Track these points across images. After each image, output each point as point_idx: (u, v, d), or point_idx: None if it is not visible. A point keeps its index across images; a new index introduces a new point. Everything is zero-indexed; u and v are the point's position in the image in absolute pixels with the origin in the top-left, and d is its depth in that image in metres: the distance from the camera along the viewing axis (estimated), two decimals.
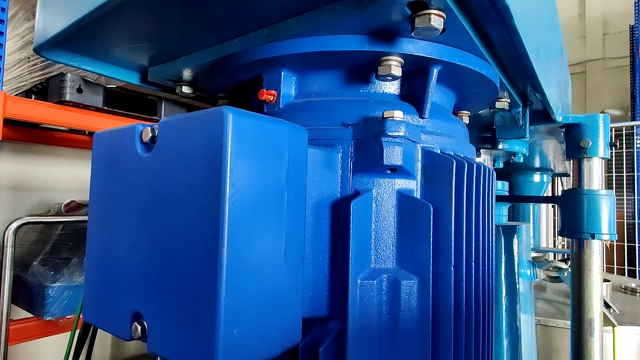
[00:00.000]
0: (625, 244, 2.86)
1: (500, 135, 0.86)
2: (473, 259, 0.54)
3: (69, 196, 2.09)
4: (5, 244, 1.45)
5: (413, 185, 0.53)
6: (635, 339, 1.51)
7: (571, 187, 0.95)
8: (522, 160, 1.18)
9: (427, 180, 0.53)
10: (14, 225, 1.54)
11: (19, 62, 1.92)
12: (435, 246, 0.51)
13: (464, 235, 0.53)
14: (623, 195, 3.14)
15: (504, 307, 1.08)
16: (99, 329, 0.90)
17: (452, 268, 0.51)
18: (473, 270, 0.54)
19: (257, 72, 0.61)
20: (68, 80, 1.86)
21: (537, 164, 1.86)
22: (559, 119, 0.91)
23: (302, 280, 0.46)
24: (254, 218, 0.39)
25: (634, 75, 3.80)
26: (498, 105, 0.76)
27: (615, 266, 2.90)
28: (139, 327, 0.42)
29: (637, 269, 2.86)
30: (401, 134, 0.49)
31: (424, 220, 0.50)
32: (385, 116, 0.51)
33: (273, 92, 0.58)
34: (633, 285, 1.96)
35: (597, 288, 0.90)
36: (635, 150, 3.18)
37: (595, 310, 0.90)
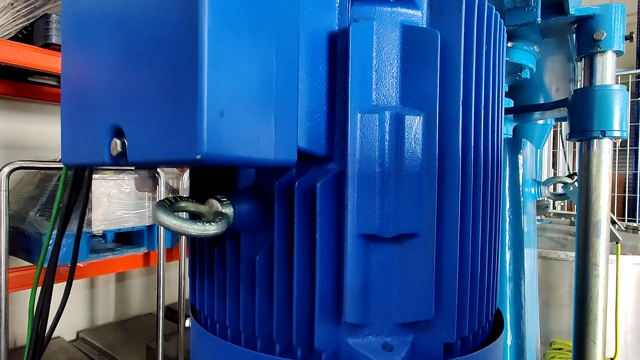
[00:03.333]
0: (626, 195, 2.85)
1: (509, 20, 0.80)
2: (482, 103, 0.50)
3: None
4: None
5: (418, 17, 0.48)
6: (636, 269, 1.51)
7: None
8: (528, 77, 1.12)
9: (433, 12, 0.48)
10: (6, 169, 1.50)
11: (2, 10, 1.82)
12: (442, 81, 0.47)
13: (474, 72, 0.48)
14: (626, 147, 3.11)
15: (508, 220, 1.06)
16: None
17: (461, 104, 0.47)
18: (482, 115, 0.50)
19: None
20: (54, 21, 1.77)
21: (541, 101, 1.81)
22: (572, 11, 0.85)
23: (295, 104, 0.42)
24: (237, 18, 0.35)
25: None
26: None
27: (615, 217, 2.90)
28: (118, 142, 0.38)
29: (637, 218, 2.87)
30: None
31: (431, 48, 0.46)
32: None
33: None
34: (634, 224, 1.95)
35: (606, 189, 0.87)
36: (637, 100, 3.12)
37: (602, 212, 0.88)
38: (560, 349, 1.28)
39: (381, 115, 0.46)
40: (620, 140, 0.86)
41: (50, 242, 1.75)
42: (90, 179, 0.85)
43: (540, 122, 1.86)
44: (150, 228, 2.08)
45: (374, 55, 0.47)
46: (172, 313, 2.84)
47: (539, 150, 1.96)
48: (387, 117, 0.46)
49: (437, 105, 0.46)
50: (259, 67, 0.35)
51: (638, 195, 2.98)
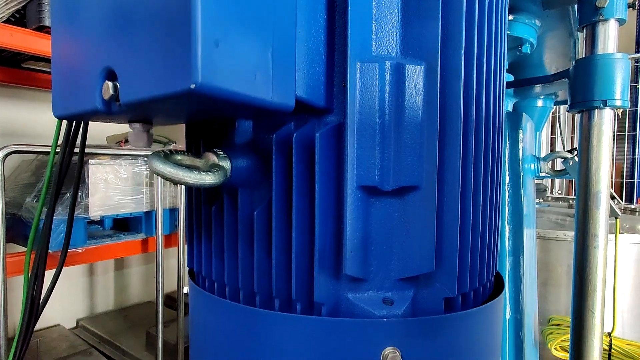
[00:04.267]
0: (624, 180, 2.86)
1: None
2: (485, 54, 0.49)
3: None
4: None
5: None
6: (634, 249, 1.51)
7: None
8: (529, 52, 1.11)
9: None
10: (2, 153, 1.48)
11: None
12: (444, 30, 0.46)
13: (476, 22, 0.47)
14: (625, 132, 3.11)
15: (507, 195, 1.06)
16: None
17: (463, 54, 0.46)
18: (484, 66, 0.49)
19: None
20: (46, 3, 1.73)
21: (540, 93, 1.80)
22: None
23: (293, 45, 0.40)
24: None
25: None
26: None
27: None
28: (110, 85, 0.37)
29: (635, 202, 2.88)
30: None
31: None
32: None
33: None
34: (633, 206, 1.96)
35: (606, 160, 0.87)
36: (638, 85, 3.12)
37: (602, 183, 0.87)
38: (558, 324, 1.29)
39: (381, 64, 0.45)
40: (621, 110, 0.85)
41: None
42: (82, 157, 0.82)
43: (540, 104, 1.85)
44: (148, 214, 2.08)
45: (373, 3, 0.45)
46: (171, 301, 2.85)
47: (537, 133, 1.96)
48: (387, 66, 0.45)
49: (438, 55, 0.45)
50: (256, 1, 0.34)
51: (636, 180, 2.99)
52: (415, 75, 0.45)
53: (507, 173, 1.04)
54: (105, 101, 0.38)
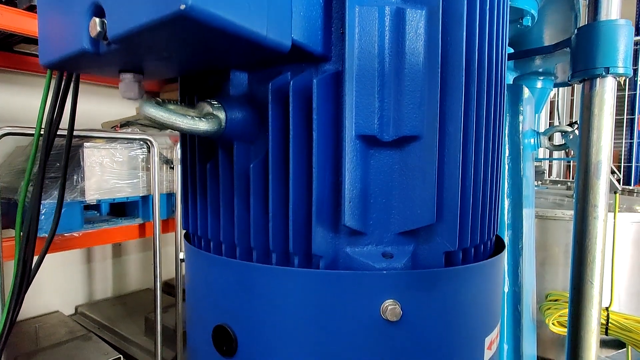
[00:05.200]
0: (622, 164, 2.86)
1: None
2: (488, 1, 0.48)
3: None
4: None
5: None
6: (632, 227, 1.51)
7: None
8: (530, 24, 1.09)
9: None
10: None
11: None
12: None
13: None
14: (623, 116, 3.10)
15: (507, 168, 1.05)
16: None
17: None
18: (487, 12, 0.47)
19: None
20: None
21: (540, 68, 1.78)
22: None
23: None
24: None
25: None
26: None
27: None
28: (97, 21, 0.35)
29: (633, 185, 2.89)
30: None
31: None
32: None
33: None
34: (630, 188, 1.95)
35: (607, 130, 0.86)
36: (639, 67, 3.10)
37: (603, 153, 0.86)
38: (556, 300, 1.29)
39: (381, 8, 0.43)
40: (624, 78, 0.84)
41: (42, 211, 1.72)
42: (72, 133, 0.79)
43: (539, 85, 1.83)
44: (145, 199, 2.06)
45: None
46: (169, 288, 2.85)
47: (536, 115, 1.95)
48: (387, 11, 0.43)
49: None
50: None
51: (633, 164, 3.00)
52: (416, 19, 0.43)
53: (507, 146, 1.03)
54: (93, 40, 0.36)
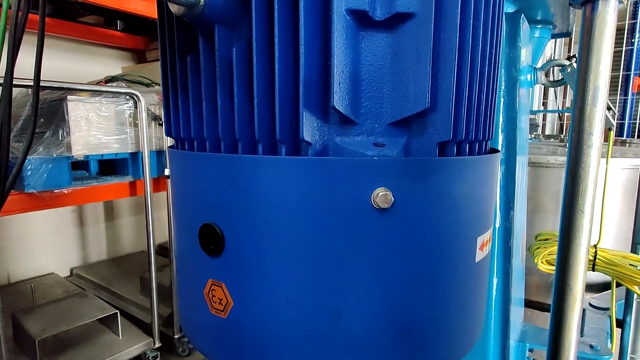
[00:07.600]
0: (615, 121, 2.87)
1: None
2: None
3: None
4: None
5: None
6: (623, 174, 1.52)
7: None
8: None
9: None
10: None
11: None
12: None
13: None
14: (619, 72, 3.07)
15: (502, 102, 1.03)
16: None
17: None
18: None
19: None
20: None
21: (538, 15, 1.73)
22: None
23: None
24: None
25: None
26: None
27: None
28: None
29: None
30: None
31: None
32: None
33: None
34: (623, 138, 1.96)
35: (607, 54, 0.83)
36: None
37: (602, 78, 0.84)
38: (546, 239, 1.31)
39: None
40: (627, 1, 0.80)
41: (29, 166, 1.67)
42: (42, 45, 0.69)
43: (537, 34, 1.78)
44: (135, 157, 2.02)
45: None
46: (163, 250, 2.86)
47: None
48: None
49: None
50: None
51: (626, 121, 3.01)
52: None
53: (502, 78, 1.00)
54: None
